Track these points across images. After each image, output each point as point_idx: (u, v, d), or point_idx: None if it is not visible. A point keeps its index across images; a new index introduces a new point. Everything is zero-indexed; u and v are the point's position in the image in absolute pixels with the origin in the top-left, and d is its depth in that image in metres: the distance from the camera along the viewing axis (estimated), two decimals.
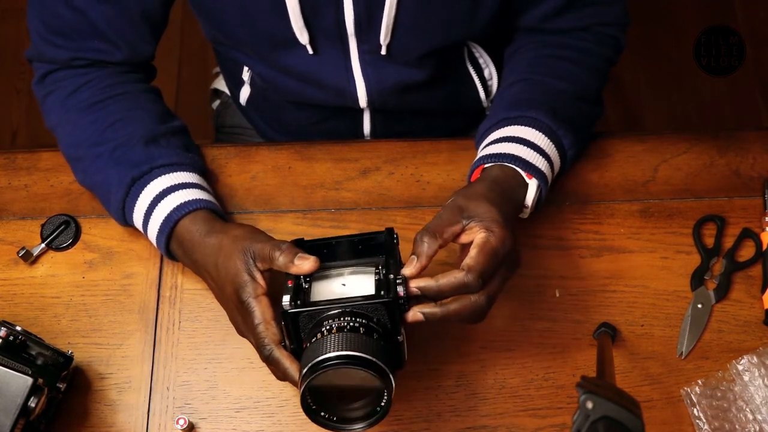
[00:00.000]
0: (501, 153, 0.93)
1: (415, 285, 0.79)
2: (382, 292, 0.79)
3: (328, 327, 0.76)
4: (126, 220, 0.97)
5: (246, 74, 1.17)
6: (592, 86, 1.03)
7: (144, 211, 0.94)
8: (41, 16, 1.00)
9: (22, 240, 1.02)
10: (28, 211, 1.04)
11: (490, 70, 1.16)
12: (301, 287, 0.81)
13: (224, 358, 0.95)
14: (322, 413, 0.76)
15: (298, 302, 0.79)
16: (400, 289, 0.78)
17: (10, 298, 0.99)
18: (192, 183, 0.96)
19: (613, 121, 2.07)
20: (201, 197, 0.94)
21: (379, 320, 0.78)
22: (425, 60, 1.03)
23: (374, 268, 0.83)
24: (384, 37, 0.98)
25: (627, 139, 1.08)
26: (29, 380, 0.82)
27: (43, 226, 1.02)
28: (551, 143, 0.95)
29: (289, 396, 0.93)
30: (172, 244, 0.93)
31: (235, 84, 1.23)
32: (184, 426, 0.90)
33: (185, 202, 0.92)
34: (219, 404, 0.93)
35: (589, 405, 0.68)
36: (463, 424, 0.92)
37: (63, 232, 1.01)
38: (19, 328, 0.86)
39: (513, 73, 1.04)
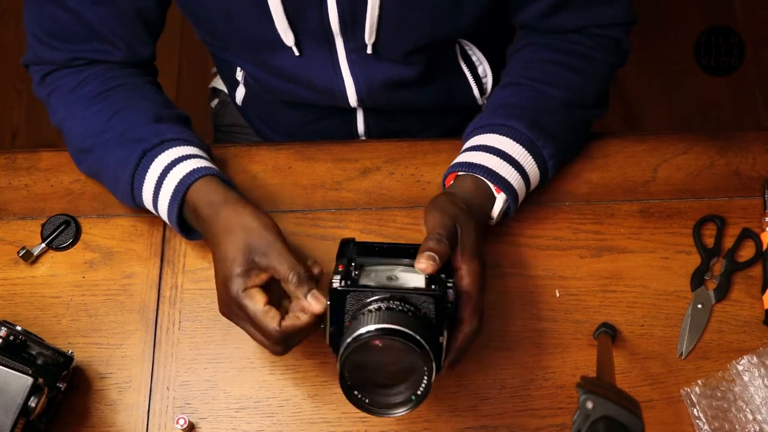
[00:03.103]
0: (474, 163, 0.94)
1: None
2: (434, 286, 0.79)
3: (376, 306, 0.77)
4: (134, 198, 0.95)
5: (240, 74, 1.17)
6: (587, 92, 1.02)
7: (155, 182, 0.93)
8: (38, 21, 1.00)
9: (22, 240, 1.02)
10: (28, 211, 1.04)
11: (484, 68, 1.15)
12: (350, 273, 0.81)
13: (224, 358, 0.95)
14: (357, 392, 0.76)
15: (348, 282, 0.79)
16: (450, 293, 0.80)
17: (11, 298, 0.99)
18: (203, 156, 0.95)
19: (613, 121, 2.07)
20: (212, 167, 0.94)
21: (425, 314, 0.78)
22: (413, 57, 1.03)
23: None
24: (368, 36, 0.98)
25: (627, 139, 1.08)
26: (29, 380, 0.82)
27: (43, 226, 1.02)
28: (529, 155, 0.95)
29: (289, 396, 0.93)
30: (185, 210, 0.92)
31: (231, 84, 1.24)
32: (184, 426, 0.90)
33: (199, 168, 0.92)
34: (219, 404, 0.93)
35: (589, 405, 0.68)
36: (463, 424, 0.92)
37: (63, 232, 1.01)
38: (19, 328, 0.86)
39: (509, 73, 1.04)
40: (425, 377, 0.75)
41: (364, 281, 0.82)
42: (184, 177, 0.91)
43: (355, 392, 0.76)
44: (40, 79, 1.03)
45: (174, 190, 0.91)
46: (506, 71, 1.06)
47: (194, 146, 0.96)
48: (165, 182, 0.92)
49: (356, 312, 0.79)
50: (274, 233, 0.85)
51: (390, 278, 0.83)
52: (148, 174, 0.93)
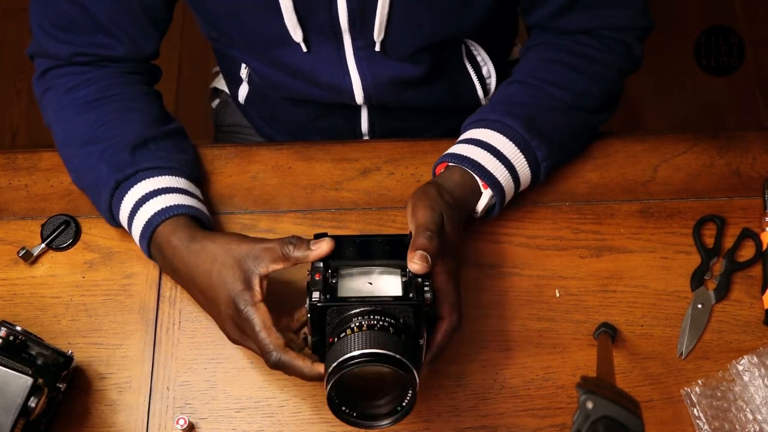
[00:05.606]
0: (464, 156, 0.95)
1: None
2: (411, 295, 0.80)
3: (358, 324, 0.77)
4: (115, 221, 0.97)
5: (244, 72, 1.17)
6: (592, 95, 1.02)
7: (128, 214, 0.94)
8: (44, 12, 1.00)
9: (22, 240, 1.02)
10: (28, 211, 1.04)
11: (489, 69, 1.15)
12: (327, 282, 0.81)
13: (224, 358, 0.95)
14: (344, 408, 0.76)
15: (328, 296, 0.79)
16: (428, 296, 0.80)
17: (10, 298, 0.99)
18: (176, 188, 0.95)
19: (613, 121, 2.06)
20: (183, 203, 0.93)
21: (405, 321, 0.79)
22: (420, 55, 1.04)
23: (400, 270, 0.83)
24: (377, 33, 0.98)
25: (627, 139, 1.08)
26: (29, 380, 0.82)
27: (43, 226, 1.02)
28: (521, 154, 0.96)
29: (289, 396, 0.93)
30: (152, 249, 0.93)
31: (234, 82, 1.24)
32: (184, 426, 0.90)
33: (166, 207, 0.92)
34: (219, 404, 0.93)
35: (589, 405, 0.68)
36: (463, 424, 0.92)
37: (63, 232, 1.01)
38: (19, 328, 0.86)
39: (517, 71, 1.05)
40: (410, 392, 0.76)
41: (343, 291, 0.82)
42: (151, 217, 0.91)
43: (343, 408, 0.77)
44: (41, 73, 1.03)
45: (143, 228, 0.92)
46: (516, 69, 1.06)
47: (170, 174, 0.95)
48: (135, 219, 0.93)
49: (337, 326, 0.79)
50: (245, 238, 0.88)
51: (369, 283, 0.83)
52: (122, 205, 0.94)
